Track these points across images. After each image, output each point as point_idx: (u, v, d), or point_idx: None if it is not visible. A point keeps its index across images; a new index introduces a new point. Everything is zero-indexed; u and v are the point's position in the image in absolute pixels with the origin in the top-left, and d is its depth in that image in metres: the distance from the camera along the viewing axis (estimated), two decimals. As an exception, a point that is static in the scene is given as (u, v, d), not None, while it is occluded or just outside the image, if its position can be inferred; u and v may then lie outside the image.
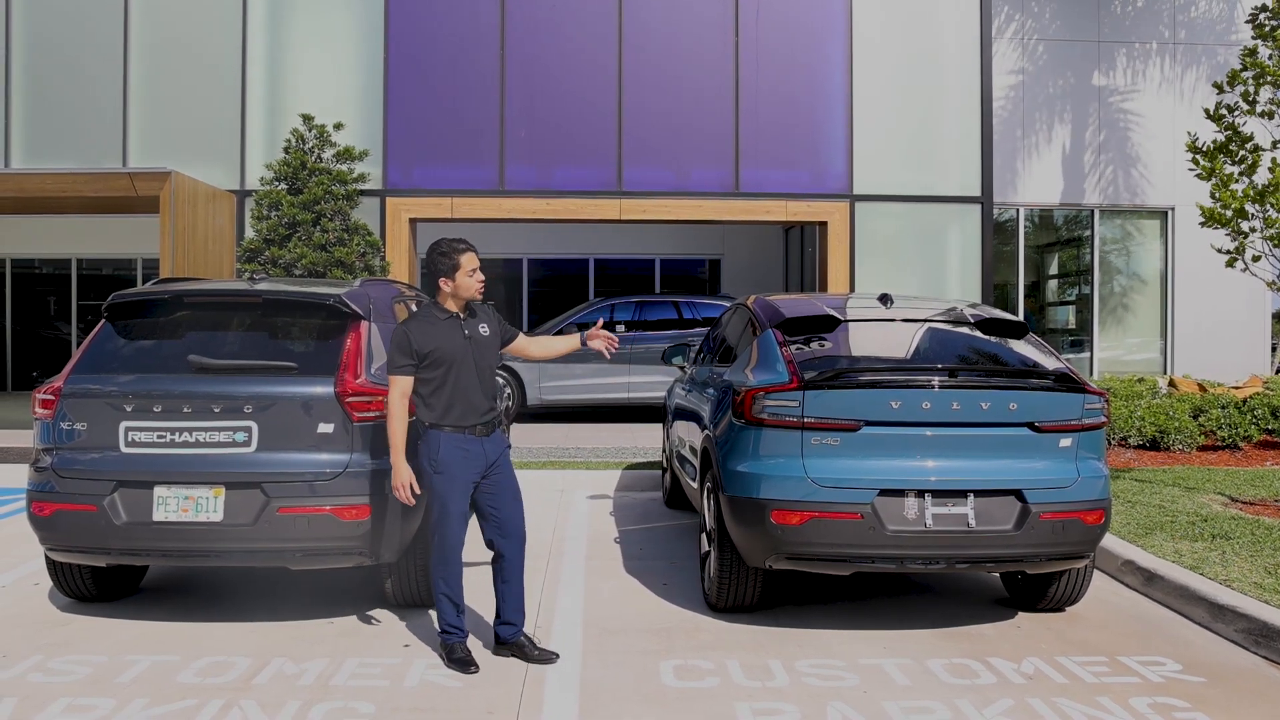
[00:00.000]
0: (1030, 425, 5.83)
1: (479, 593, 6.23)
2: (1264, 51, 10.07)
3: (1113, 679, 5.34)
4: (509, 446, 5.73)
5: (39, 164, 15.67)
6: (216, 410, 5.72)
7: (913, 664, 5.53)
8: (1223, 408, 12.86)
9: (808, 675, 5.34)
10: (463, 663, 5.31)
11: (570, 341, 6.08)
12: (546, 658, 5.44)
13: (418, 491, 5.38)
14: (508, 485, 5.54)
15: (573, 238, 21.54)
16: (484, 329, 5.55)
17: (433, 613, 6.24)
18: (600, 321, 6.36)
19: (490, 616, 5.75)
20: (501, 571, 5.52)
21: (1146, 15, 18.78)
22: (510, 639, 5.51)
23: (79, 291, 21.31)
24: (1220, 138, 10.06)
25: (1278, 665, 5.60)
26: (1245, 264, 9.95)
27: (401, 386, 5.35)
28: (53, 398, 5.90)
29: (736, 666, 5.47)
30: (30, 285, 21.72)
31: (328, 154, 14.93)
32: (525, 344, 5.96)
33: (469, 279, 5.43)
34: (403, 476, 5.35)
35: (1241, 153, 9.91)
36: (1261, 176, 10.10)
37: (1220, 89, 10.24)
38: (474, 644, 5.59)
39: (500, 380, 6.20)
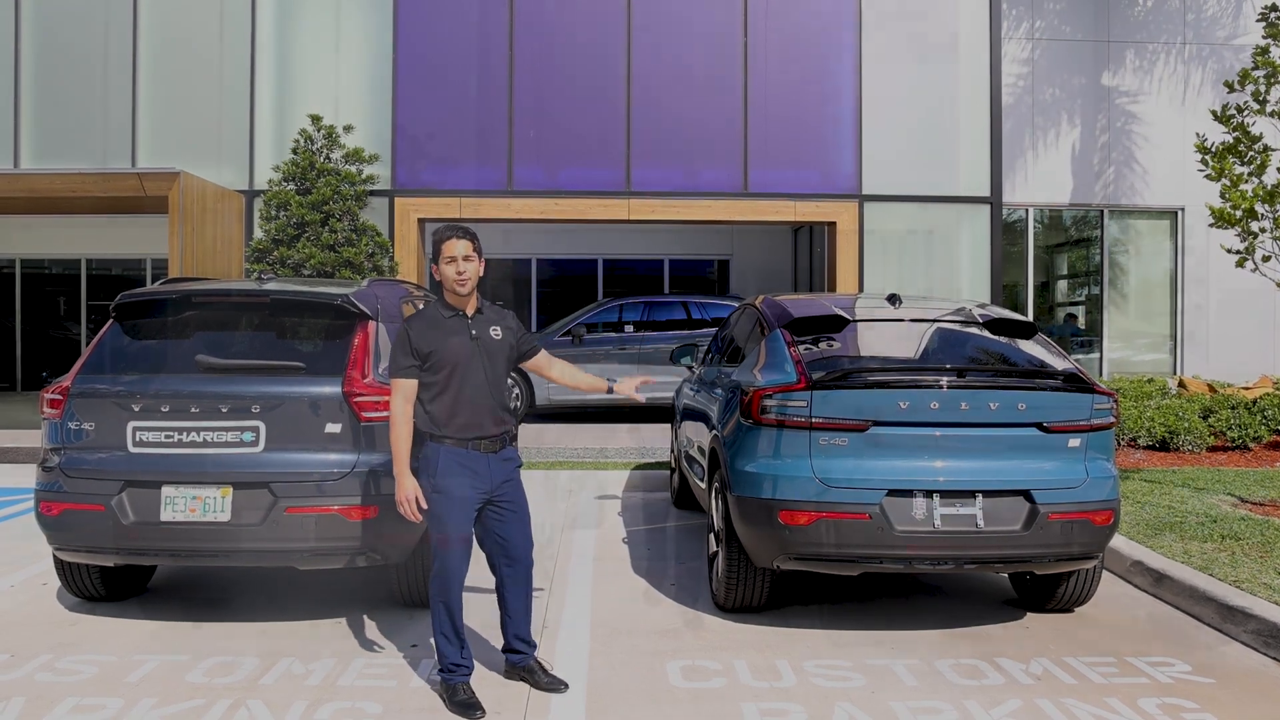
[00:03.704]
0: (1039, 426, 5.81)
1: (483, 605, 6.22)
2: (1275, 51, 10.03)
3: (1121, 680, 5.33)
4: (520, 465, 5.26)
5: (49, 164, 15.71)
6: (224, 410, 5.72)
7: (920, 664, 5.52)
8: (1232, 408, 12.83)
9: (815, 675, 5.33)
10: (467, 705, 4.82)
11: (597, 383, 5.66)
12: (555, 686, 5.08)
13: (424, 506, 4.90)
14: (517, 509, 5.12)
15: (581, 238, 21.55)
16: (495, 332, 5.08)
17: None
18: (640, 380, 5.75)
19: (494, 628, 5.60)
20: (505, 600, 5.17)
21: (1156, 15, 18.74)
22: (519, 664, 5.19)
23: (88, 291, 21.35)
24: (1229, 139, 10.02)
25: (1288, 666, 5.58)
26: (1255, 264, 9.92)
27: (404, 391, 4.93)
28: (61, 397, 5.91)
29: (744, 667, 5.47)
30: (40, 285, 21.78)
31: (336, 155, 14.97)
32: (546, 363, 5.51)
33: (446, 268, 4.95)
34: (407, 490, 4.89)
35: (1251, 153, 9.88)
36: (1271, 177, 10.06)
37: (1231, 88, 10.21)
38: (478, 664, 5.57)
39: (509, 381, 5.86)
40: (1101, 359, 18.76)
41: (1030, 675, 5.38)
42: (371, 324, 6.14)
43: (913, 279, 16.11)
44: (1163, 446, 12.34)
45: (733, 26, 16.17)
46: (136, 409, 5.77)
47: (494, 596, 5.31)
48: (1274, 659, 5.67)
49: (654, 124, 16.10)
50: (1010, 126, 17.76)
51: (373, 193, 15.33)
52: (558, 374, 5.59)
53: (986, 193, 16.29)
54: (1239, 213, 9.62)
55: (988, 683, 5.27)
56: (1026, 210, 18.73)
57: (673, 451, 10.08)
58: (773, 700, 5.00)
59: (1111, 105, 18.62)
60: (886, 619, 6.35)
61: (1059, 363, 6.25)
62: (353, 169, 14.90)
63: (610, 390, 5.66)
